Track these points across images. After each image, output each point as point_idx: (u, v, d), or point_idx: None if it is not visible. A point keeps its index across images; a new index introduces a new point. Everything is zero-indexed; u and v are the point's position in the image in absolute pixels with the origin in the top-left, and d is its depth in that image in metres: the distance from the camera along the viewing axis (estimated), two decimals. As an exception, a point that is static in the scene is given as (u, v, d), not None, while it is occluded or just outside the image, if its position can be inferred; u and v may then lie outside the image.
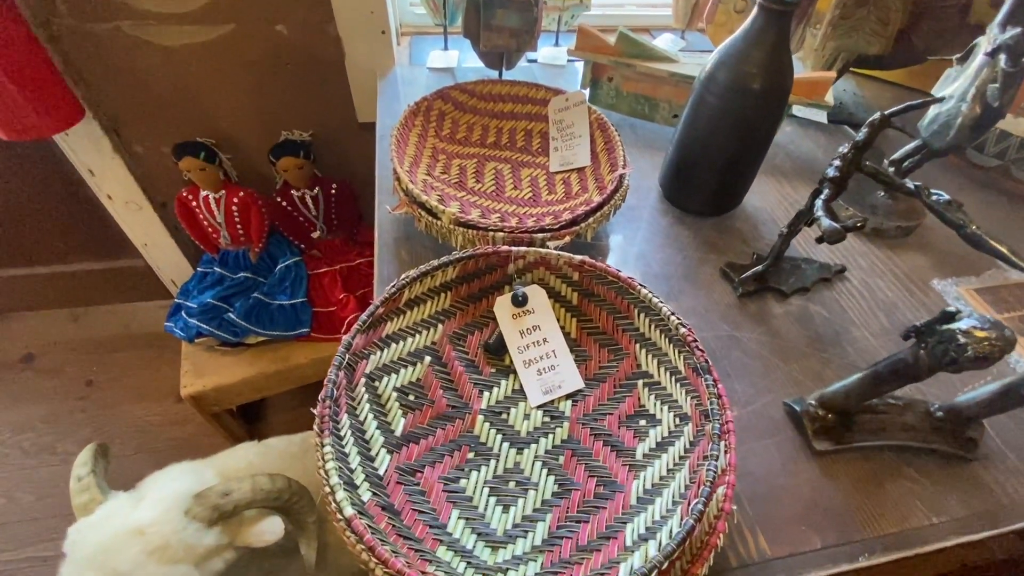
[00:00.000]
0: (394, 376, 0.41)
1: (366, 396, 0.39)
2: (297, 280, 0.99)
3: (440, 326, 0.45)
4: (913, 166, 0.61)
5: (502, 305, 0.46)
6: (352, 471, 0.34)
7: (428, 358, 0.44)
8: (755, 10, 0.50)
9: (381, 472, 0.36)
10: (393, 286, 0.43)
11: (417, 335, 0.44)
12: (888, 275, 0.59)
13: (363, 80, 0.88)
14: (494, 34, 0.71)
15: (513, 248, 0.47)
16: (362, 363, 0.40)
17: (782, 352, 0.51)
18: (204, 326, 0.91)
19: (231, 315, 0.92)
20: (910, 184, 0.43)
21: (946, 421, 0.44)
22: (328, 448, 0.33)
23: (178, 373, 0.92)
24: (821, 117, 0.81)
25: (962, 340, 0.31)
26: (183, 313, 0.94)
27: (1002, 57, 0.45)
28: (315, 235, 1.01)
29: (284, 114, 0.92)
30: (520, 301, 0.46)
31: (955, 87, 0.54)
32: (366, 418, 0.38)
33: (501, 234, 0.49)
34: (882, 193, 0.64)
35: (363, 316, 0.40)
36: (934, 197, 0.41)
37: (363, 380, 0.39)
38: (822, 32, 0.75)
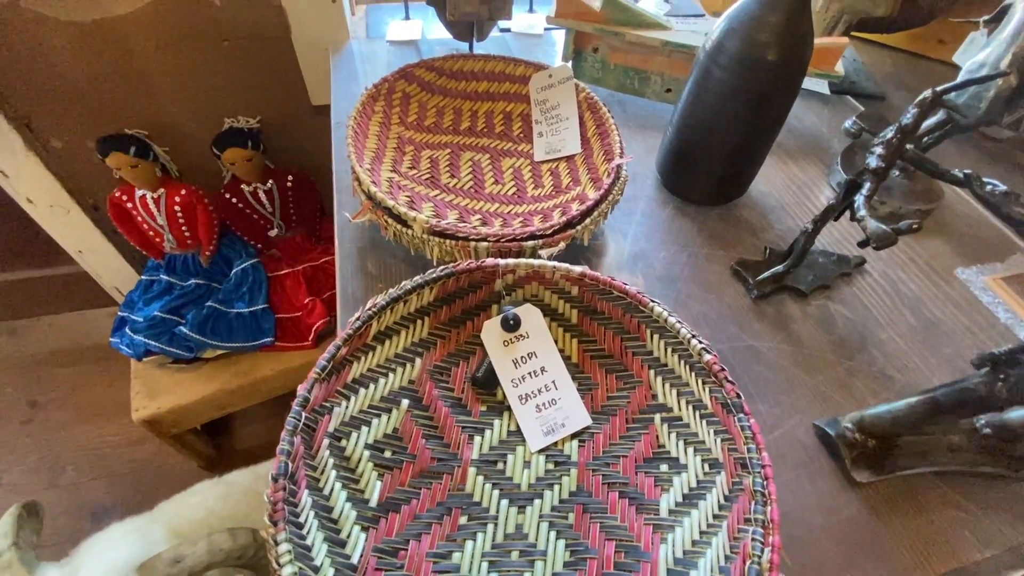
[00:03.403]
0: (365, 430, 0.34)
1: (331, 461, 0.32)
2: (256, 284, 0.89)
3: (418, 360, 0.38)
4: (933, 142, 0.55)
5: (491, 330, 0.39)
6: (317, 570, 0.27)
7: (405, 402, 0.37)
8: (772, -34, 0.42)
9: (355, 560, 0.29)
10: (357, 318, 0.35)
11: (391, 374, 0.37)
12: (910, 265, 0.54)
13: (314, 57, 0.77)
14: (463, 0, 0.61)
15: (500, 261, 0.39)
16: (324, 420, 0.32)
17: (806, 362, 0.45)
18: (153, 342, 0.81)
19: (183, 328, 0.82)
20: (959, 173, 0.37)
21: (993, 438, 0.39)
22: (284, 547, 0.26)
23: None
24: (822, 87, 0.75)
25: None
26: (128, 328, 0.84)
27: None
28: (272, 233, 0.92)
29: (226, 99, 0.81)
30: (511, 325, 0.39)
31: (987, 54, 0.48)
32: (332, 490, 0.31)
33: (485, 244, 0.41)
34: (897, 173, 0.59)
35: (321, 361, 0.33)
36: (988, 188, 0.35)
37: (326, 442, 0.32)
38: (826, -9, 0.68)
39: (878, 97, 0.76)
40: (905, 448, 0.38)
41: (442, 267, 0.38)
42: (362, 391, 0.35)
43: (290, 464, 0.29)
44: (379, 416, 0.35)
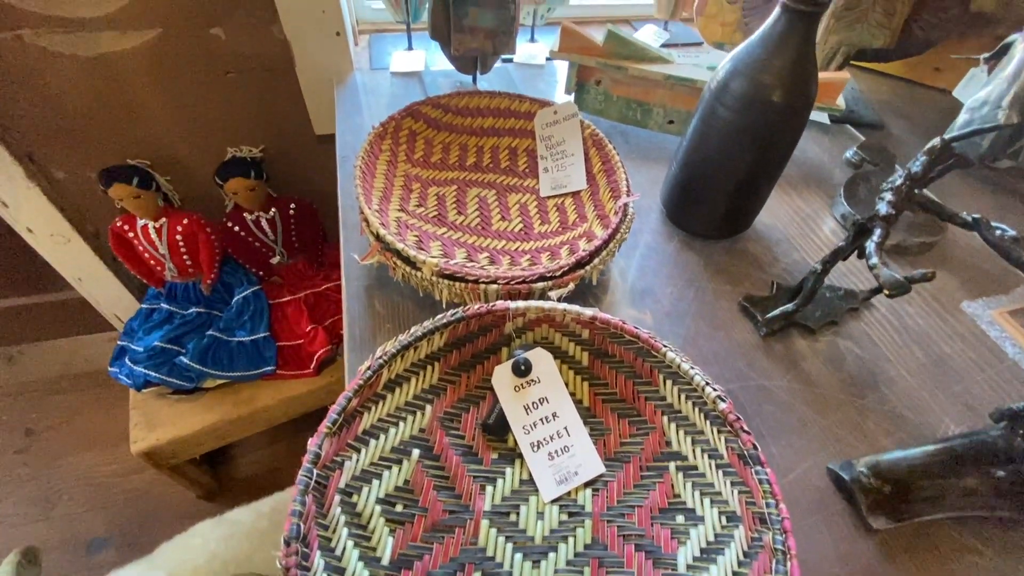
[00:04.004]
0: (376, 483, 0.34)
1: (342, 519, 0.31)
2: (257, 312, 0.88)
3: (428, 407, 0.38)
4: (937, 175, 0.56)
5: (501, 376, 0.39)
6: (330, 639, 0.26)
7: (416, 451, 0.36)
8: (776, 11, 0.43)
9: (368, 623, 0.29)
10: (368, 367, 0.35)
11: (401, 423, 0.36)
12: (916, 299, 0.54)
13: (318, 88, 0.78)
14: (467, 36, 0.62)
15: (510, 304, 0.39)
16: (335, 475, 0.32)
17: (817, 402, 0.45)
18: (153, 373, 0.80)
19: (183, 359, 0.81)
20: (968, 216, 0.37)
21: (1007, 481, 0.38)
22: (296, 618, 0.25)
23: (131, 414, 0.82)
24: (823, 117, 0.76)
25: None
26: (127, 359, 0.83)
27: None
28: (274, 261, 0.91)
29: (229, 129, 0.81)
30: (523, 370, 0.38)
31: (988, 91, 0.49)
32: (344, 550, 0.30)
33: (494, 286, 0.41)
34: (900, 204, 0.59)
35: (332, 414, 0.32)
36: (998, 232, 0.36)
37: (337, 498, 0.31)
38: (824, 25, 0.69)
39: (877, 126, 0.77)
40: (921, 493, 0.38)
41: (452, 311, 0.38)
42: (373, 442, 0.34)
43: (302, 526, 0.28)
44: (390, 468, 0.35)
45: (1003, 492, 0.38)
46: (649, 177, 0.64)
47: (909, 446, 0.42)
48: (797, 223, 0.60)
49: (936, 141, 0.37)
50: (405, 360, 0.37)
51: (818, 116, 0.75)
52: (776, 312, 0.47)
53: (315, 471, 0.30)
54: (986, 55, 0.53)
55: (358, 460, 0.33)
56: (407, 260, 0.43)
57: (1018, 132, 0.47)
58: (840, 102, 0.62)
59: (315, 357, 0.87)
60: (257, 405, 0.86)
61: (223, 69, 0.74)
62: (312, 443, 0.31)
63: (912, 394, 0.46)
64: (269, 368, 0.86)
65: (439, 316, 0.38)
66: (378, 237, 0.44)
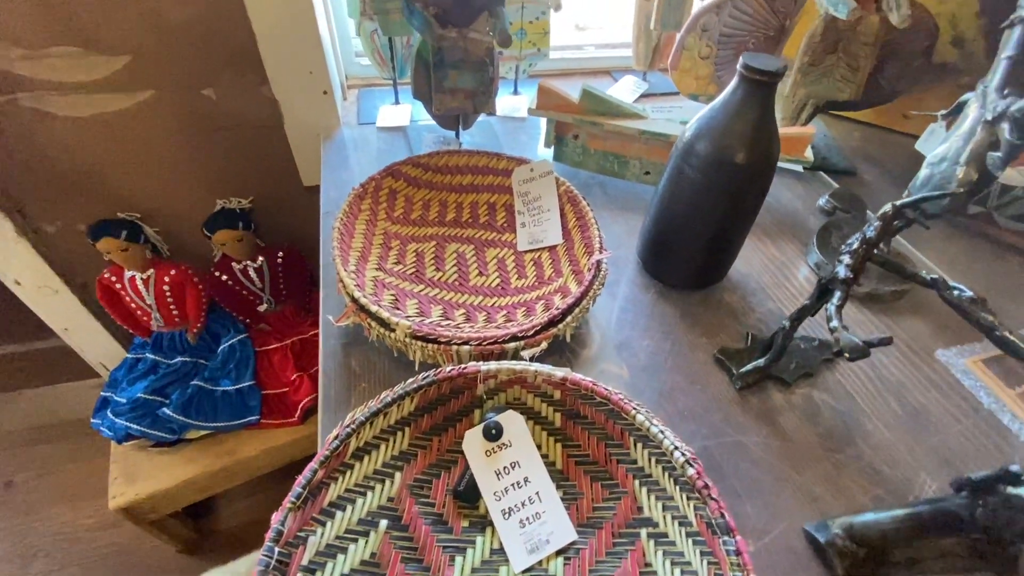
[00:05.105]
0: (341, 558, 0.33)
1: (305, 599, 0.31)
2: (243, 361, 0.88)
3: (398, 475, 0.38)
4: (896, 231, 0.57)
5: (472, 440, 0.39)
6: None
7: (384, 522, 0.36)
8: (735, 79, 0.45)
9: None
10: (336, 437, 0.35)
11: (369, 493, 0.36)
12: (890, 348, 0.54)
13: (306, 143, 0.80)
14: (448, 96, 0.64)
15: (482, 367, 0.39)
16: (298, 552, 0.31)
17: (793, 458, 0.45)
18: (134, 426, 0.79)
19: (166, 410, 0.81)
20: (927, 276, 0.38)
21: (984, 540, 0.38)
22: None
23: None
24: (796, 165, 0.78)
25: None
26: (109, 411, 0.82)
27: (1005, 127, 0.41)
28: (262, 308, 0.92)
29: (219, 181, 0.83)
30: (494, 435, 0.38)
31: (947, 148, 0.51)
32: (305, 632, 0.30)
33: (467, 347, 0.41)
34: (872, 253, 0.60)
35: (297, 487, 0.32)
36: (956, 293, 0.36)
37: (300, 576, 0.31)
38: (792, 79, 0.72)
39: (850, 172, 0.79)
40: (896, 556, 0.37)
41: (423, 375, 0.38)
42: (339, 514, 0.34)
43: (260, 610, 0.28)
44: (356, 541, 0.34)
45: (981, 552, 0.38)
46: (627, 227, 0.65)
47: (886, 503, 0.42)
48: (772, 272, 0.61)
49: (888, 207, 0.38)
50: (374, 427, 0.37)
51: (791, 164, 0.78)
52: (749, 367, 0.47)
53: (277, 549, 0.30)
54: (943, 112, 0.55)
55: (323, 534, 0.33)
56: (382, 322, 0.43)
57: (977, 187, 0.49)
58: (808, 154, 0.64)
59: (300, 406, 0.86)
60: (240, 456, 0.85)
61: (214, 126, 0.77)
62: (275, 519, 0.31)
63: (888, 448, 0.46)
64: (253, 418, 0.85)
65: (410, 380, 0.38)
66: (353, 299, 0.44)
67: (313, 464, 0.33)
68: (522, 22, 0.77)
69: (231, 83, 0.72)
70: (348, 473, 0.35)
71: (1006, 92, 0.43)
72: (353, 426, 0.35)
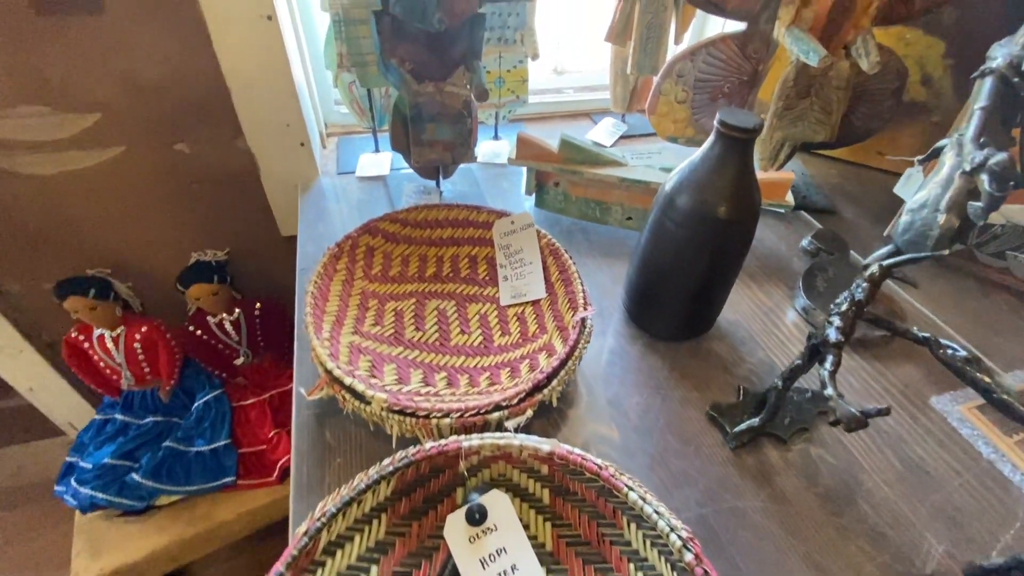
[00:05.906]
0: (311, 674, 0.30)
1: None
2: (219, 418, 0.84)
3: (374, 568, 0.35)
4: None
5: (454, 526, 0.36)
6: None
7: (360, 626, 0.33)
8: (712, 135, 0.44)
9: None
10: (305, 533, 0.32)
11: (343, 592, 0.33)
12: (885, 396, 0.53)
13: (284, 194, 0.78)
14: (426, 149, 0.63)
15: (464, 442, 0.37)
16: (261, 673, 0.28)
17: (793, 524, 0.43)
18: (100, 495, 0.75)
19: (135, 476, 0.76)
20: (919, 334, 0.37)
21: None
22: None
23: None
24: (777, 208, 0.78)
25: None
26: (74, 479, 0.77)
27: (985, 178, 0.41)
28: (239, 362, 0.88)
29: (194, 234, 0.81)
30: (477, 519, 0.36)
31: (925, 195, 0.51)
32: None
33: (447, 420, 0.39)
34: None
35: (262, 597, 0.29)
36: (949, 352, 0.35)
37: None
38: (767, 123, 0.73)
39: (830, 211, 0.80)
40: (911, 636, 0.35)
41: (400, 455, 0.36)
42: (309, 622, 0.31)
43: None
44: (328, 651, 0.31)
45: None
46: (611, 275, 0.64)
47: (893, 570, 0.40)
48: (760, 318, 0.60)
49: (875, 268, 0.37)
50: (347, 517, 0.34)
51: (772, 207, 0.78)
52: (743, 426, 0.45)
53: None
54: (920, 157, 0.55)
55: (290, 647, 0.30)
56: (357, 394, 0.41)
57: (958, 233, 0.48)
58: (789, 198, 0.64)
59: (278, 464, 0.82)
60: (215, 520, 0.80)
61: (188, 179, 0.75)
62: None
63: (890, 506, 0.44)
64: (229, 479, 0.81)
65: (385, 462, 0.35)
66: (327, 370, 0.42)
67: (279, 567, 0.30)
68: (500, 71, 0.78)
69: (205, 137, 0.71)
70: (319, 572, 0.33)
71: (982, 141, 0.43)
72: (324, 519, 0.32)
